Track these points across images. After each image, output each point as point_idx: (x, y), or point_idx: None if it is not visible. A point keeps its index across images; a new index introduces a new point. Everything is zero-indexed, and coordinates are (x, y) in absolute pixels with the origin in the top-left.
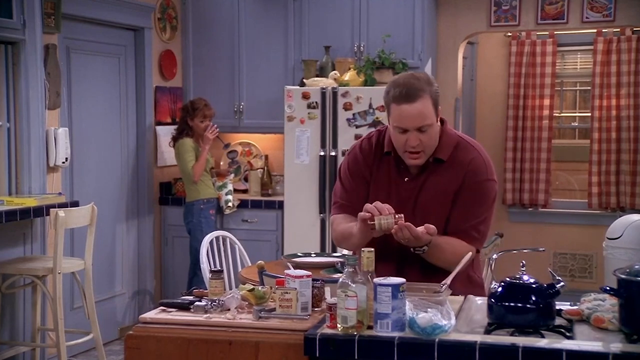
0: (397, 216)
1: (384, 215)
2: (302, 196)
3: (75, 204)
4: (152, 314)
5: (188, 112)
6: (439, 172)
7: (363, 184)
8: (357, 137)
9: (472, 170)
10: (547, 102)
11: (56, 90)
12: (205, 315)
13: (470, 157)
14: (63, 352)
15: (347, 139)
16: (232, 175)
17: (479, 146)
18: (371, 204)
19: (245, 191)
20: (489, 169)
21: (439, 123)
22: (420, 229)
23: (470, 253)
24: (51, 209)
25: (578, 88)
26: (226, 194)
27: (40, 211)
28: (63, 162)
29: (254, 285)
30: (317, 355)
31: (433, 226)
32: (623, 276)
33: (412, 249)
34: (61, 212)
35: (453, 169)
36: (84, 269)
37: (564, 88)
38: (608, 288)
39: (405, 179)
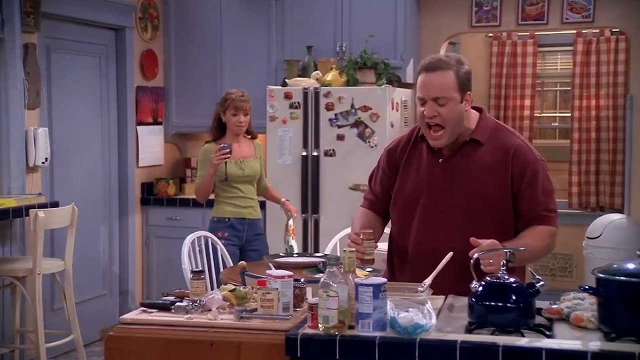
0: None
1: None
2: (284, 196)
3: (55, 204)
4: (133, 315)
5: (220, 104)
6: (478, 154)
7: (385, 177)
8: (339, 137)
9: (520, 157)
10: (528, 102)
11: (36, 89)
12: (186, 316)
13: (513, 143)
14: (43, 353)
15: (329, 139)
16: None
17: (518, 133)
18: (398, 189)
19: None
20: (534, 151)
21: (467, 108)
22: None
23: (451, 253)
24: (31, 210)
25: (558, 88)
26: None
27: (20, 212)
28: (43, 162)
29: (235, 285)
30: (299, 355)
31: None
32: (602, 275)
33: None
34: (41, 213)
35: (494, 153)
36: (64, 270)
37: (544, 88)
38: (587, 287)
39: (440, 160)
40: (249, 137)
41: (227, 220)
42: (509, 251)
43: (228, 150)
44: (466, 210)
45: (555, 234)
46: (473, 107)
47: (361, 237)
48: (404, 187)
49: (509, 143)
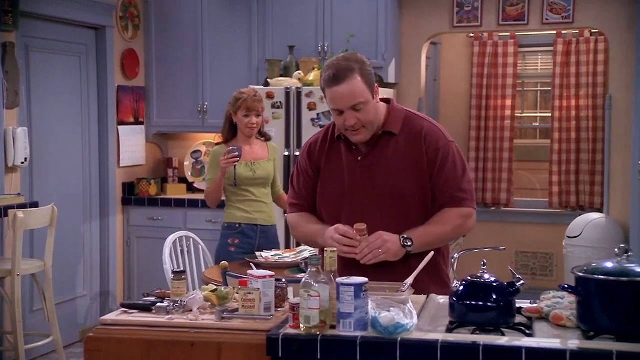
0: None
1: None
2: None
3: (34, 204)
4: (113, 316)
5: (232, 105)
6: (393, 146)
7: (310, 179)
8: None
9: (429, 139)
10: (509, 102)
11: (15, 89)
12: (167, 317)
13: (422, 126)
14: (22, 355)
15: None
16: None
17: (428, 117)
18: (322, 191)
19: None
20: (444, 133)
21: (377, 100)
22: (379, 235)
23: (432, 252)
24: (10, 210)
25: (539, 89)
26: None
27: None
28: (22, 163)
29: (217, 285)
30: (280, 355)
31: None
32: (580, 274)
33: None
34: (20, 213)
35: (408, 140)
36: (43, 271)
37: (525, 88)
38: (566, 286)
39: (359, 158)
40: (263, 139)
41: (237, 226)
42: (403, 237)
43: (237, 153)
44: (390, 203)
45: (469, 214)
46: (381, 100)
47: (355, 232)
48: (327, 189)
49: (418, 127)
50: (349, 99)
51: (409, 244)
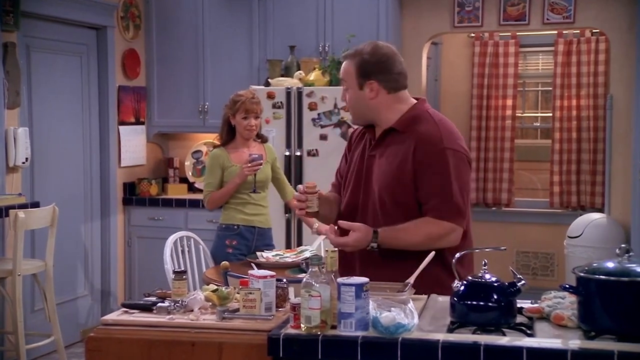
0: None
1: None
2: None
3: (35, 204)
4: (114, 316)
5: (229, 107)
6: (396, 143)
7: (345, 160)
8: (322, 137)
9: (422, 143)
10: (509, 102)
11: (15, 89)
12: (168, 317)
13: (424, 128)
14: (23, 355)
15: (312, 139)
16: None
17: (441, 118)
18: (344, 176)
19: None
20: (445, 138)
21: (370, 96)
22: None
23: (433, 252)
24: (11, 210)
25: (540, 89)
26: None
27: (0, 212)
28: (23, 163)
29: (217, 285)
30: (281, 355)
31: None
32: (582, 274)
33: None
34: (21, 213)
35: (409, 141)
36: (44, 271)
37: (526, 88)
38: (567, 286)
39: (369, 148)
40: (259, 140)
41: (235, 227)
42: (374, 231)
43: (261, 161)
44: (378, 197)
45: (450, 230)
46: (415, 98)
47: (303, 190)
48: (347, 173)
49: (420, 129)
50: (341, 74)
51: (375, 244)
